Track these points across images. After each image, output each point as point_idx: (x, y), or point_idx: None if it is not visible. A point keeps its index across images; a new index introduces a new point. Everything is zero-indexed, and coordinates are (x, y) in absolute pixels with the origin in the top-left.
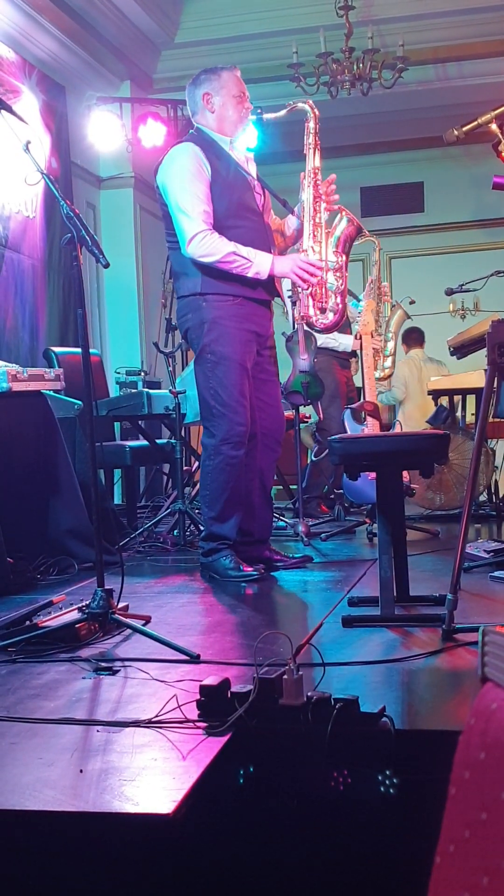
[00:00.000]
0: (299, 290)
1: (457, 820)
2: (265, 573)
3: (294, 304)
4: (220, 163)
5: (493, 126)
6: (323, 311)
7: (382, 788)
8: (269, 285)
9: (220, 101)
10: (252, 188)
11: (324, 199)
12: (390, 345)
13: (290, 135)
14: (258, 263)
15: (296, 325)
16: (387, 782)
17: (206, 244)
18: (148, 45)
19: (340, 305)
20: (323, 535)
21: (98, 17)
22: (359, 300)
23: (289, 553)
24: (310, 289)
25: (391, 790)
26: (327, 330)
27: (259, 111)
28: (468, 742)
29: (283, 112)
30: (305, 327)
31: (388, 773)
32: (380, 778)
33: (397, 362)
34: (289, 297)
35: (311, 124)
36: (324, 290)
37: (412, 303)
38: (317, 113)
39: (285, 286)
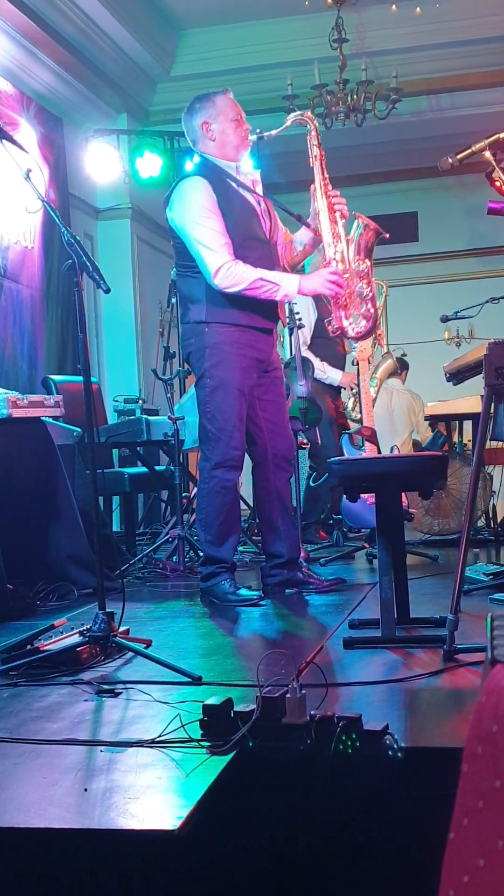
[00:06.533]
0: (327, 302)
1: (470, 793)
2: (265, 597)
3: (291, 331)
4: (226, 194)
5: (487, 154)
6: (356, 318)
7: (385, 804)
8: (272, 313)
9: (220, 128)
10: (257, 214)
11: (336, 207)
12: (373, 390)
13: (287, 166)
14: (286, 286)
15: (293, 352)
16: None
17: (231, 274)
18: (144, 77)
19: (373, 310)
20: (322, 559)
21: (95, 51)
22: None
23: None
24: (341, 299)
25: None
26: (363, 336)
27: (259, 131)
28: (480, 718)
29: (283, 126)
30: (303, 354)
31: (390, 789)
32: (384, 794)
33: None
34: (289, 324)
35: (313, 136)
36: (354, 297)
37: (404, 355)
38: (315, 124)
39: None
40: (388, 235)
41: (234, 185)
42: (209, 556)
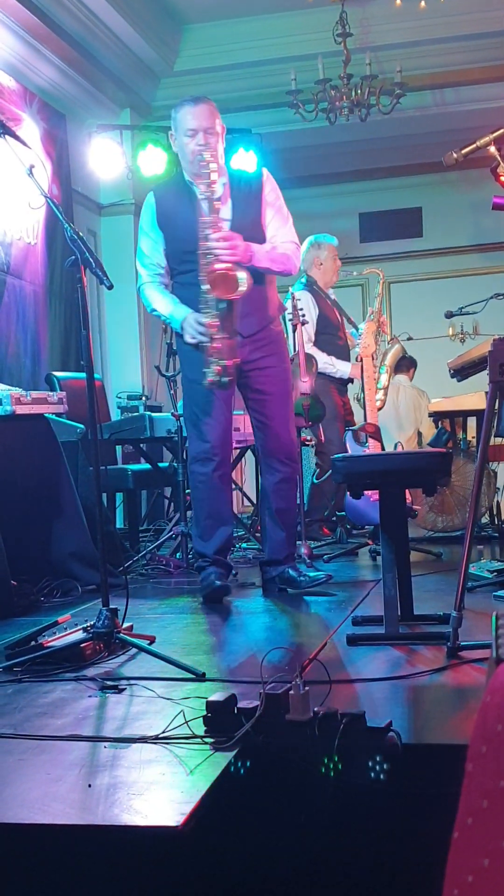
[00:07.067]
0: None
1: (474, 792)
2: (235, 578)
3: (294, 328)
4: (175, 210)
5: (492, 149)
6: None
7: (388, 800)
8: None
9: (178, 142)
10: (203, 230)
11: (216, 253)
12: (383, 378)
13: (287, 162)
14: (173, 322)
15: (296, 349)
16: (392, 794)
17: (144, 296)
18: (147, 73)
19: (224, 364)
20: (326, 556)
21: (98, 46)
22: (358, 329)
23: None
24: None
25: (396, 802)
26: (211, 387)
27: (207, 152)
28: (485, 717)
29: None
30: (308, 350)
31: (393, 785)
32: (386, 791)
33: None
34: (290, 320)
35: (211, 167)
36: (211, 349)
37: (410, 339)
38: (209, 158)
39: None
40: (234, 297)
41: (188, 199)
42: (196, 550)
